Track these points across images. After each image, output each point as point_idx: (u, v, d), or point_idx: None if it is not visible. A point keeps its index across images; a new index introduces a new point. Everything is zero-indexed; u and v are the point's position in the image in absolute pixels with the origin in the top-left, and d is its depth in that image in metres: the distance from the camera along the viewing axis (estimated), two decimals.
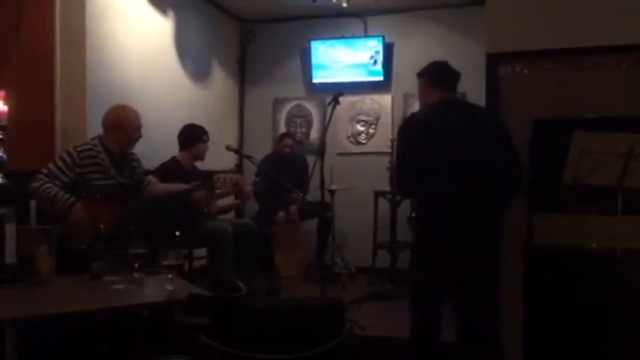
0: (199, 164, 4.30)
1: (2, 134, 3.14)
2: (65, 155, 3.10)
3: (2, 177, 3.14)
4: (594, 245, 2.99)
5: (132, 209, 3.20)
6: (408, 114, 3.31)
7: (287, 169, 5.00)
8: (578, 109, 3.08)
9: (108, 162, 3.20)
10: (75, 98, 3.70)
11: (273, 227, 4.88)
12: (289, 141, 5.22)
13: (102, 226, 2.86)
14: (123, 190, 3.22)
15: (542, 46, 3.14)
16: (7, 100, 3.17)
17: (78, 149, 3.14)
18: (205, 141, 4.21)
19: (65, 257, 2.72)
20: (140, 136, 3.39)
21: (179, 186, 3.79)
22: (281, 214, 4.94)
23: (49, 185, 3.01)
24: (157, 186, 3.67)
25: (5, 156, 3.14)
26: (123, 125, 3.28)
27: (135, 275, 2.54)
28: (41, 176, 3.02)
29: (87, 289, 2.49)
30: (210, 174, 4.02)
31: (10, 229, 2.96)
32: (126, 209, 3.16)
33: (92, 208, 3.05)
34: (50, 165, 3.06)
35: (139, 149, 4.23)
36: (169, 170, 3.99)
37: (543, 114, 3.12)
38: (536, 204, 3.15)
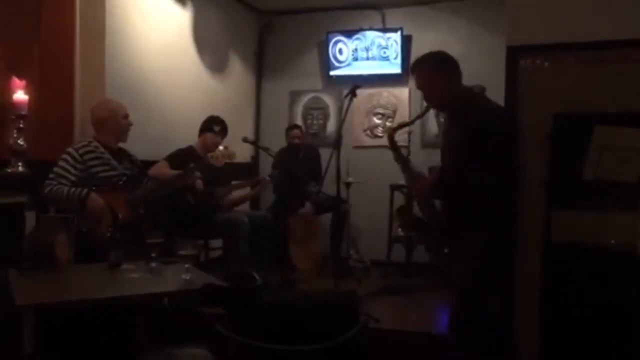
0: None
1: (22, 124, 3.17)
2: (66, 156, 3.14)
3: (22, 166, 3.17)
4: (613, 242, 2.95)
5: (139, 197, 3.22)
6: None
7: (300, 160, 5.00)
8: (599, 104, 3.03)
9: (108, 155, 3.26)
10: (94, 89, 3.73)
11: (289, 220, 4.88)
12: (297, 132, 5.23)
13: (120, 215, 2.89)
14: (128, 180, 3.26)
15: (564, 39, 3.08)
16: (27, 90, 3.20)
17: (76, 147, 3.19)
18: (216, 132, 4.16)
19: (84, 249, 2.75)
20: (130, 124, 3.42)
21: (173, 172, 3.75)
22: (306, 205, 4.94)
23: (59, 186, 3.06)
24: (156, 169, 3.76)
25: (25, 145, 3.18)
26: (111, 116, 3.33)
27: (153, 264, 2.56)
28: (49, 181, 3.07)
29: (105, 278, 2.52)
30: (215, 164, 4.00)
31: (30, 217, 3.01)
32: (133, 197, 3.19)
33: (104, 199, 3.08)
34: (55, 169, 3.11)
35: (156, 139, 4.29)
36: (181, 157, 3.98)
37: (564, 108, 3.07)
38: (555, 199, 3.11)
